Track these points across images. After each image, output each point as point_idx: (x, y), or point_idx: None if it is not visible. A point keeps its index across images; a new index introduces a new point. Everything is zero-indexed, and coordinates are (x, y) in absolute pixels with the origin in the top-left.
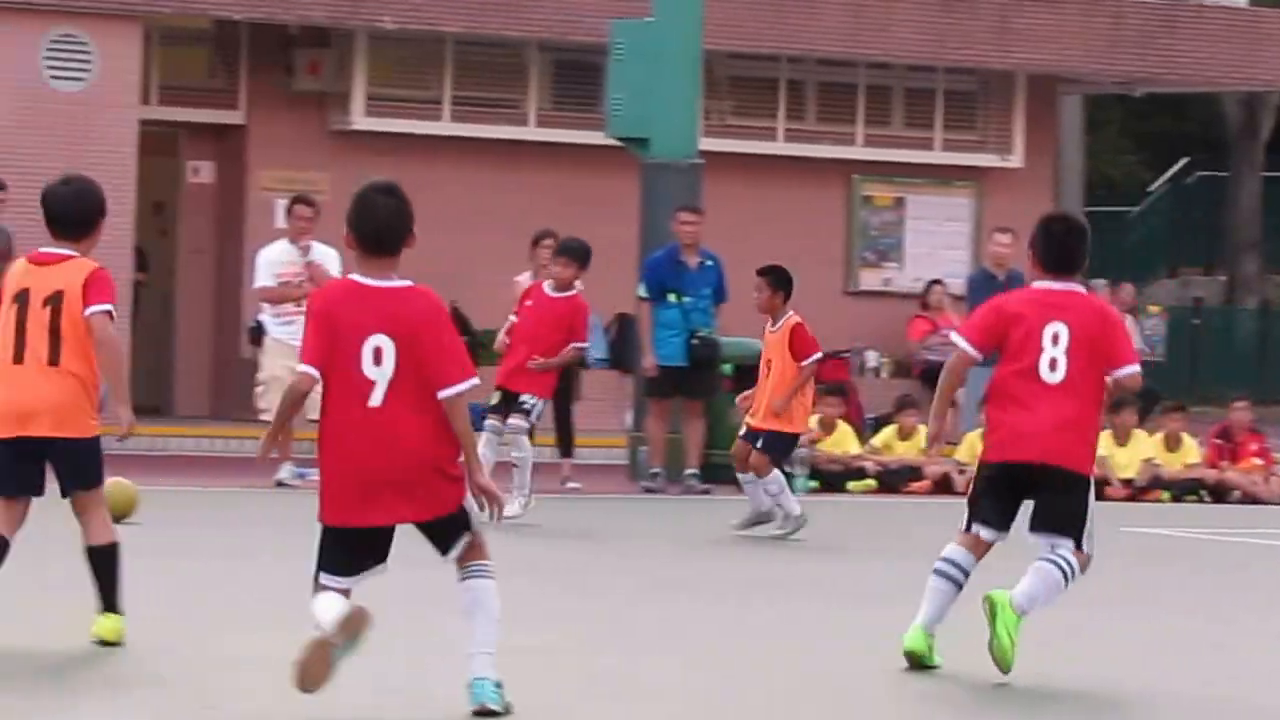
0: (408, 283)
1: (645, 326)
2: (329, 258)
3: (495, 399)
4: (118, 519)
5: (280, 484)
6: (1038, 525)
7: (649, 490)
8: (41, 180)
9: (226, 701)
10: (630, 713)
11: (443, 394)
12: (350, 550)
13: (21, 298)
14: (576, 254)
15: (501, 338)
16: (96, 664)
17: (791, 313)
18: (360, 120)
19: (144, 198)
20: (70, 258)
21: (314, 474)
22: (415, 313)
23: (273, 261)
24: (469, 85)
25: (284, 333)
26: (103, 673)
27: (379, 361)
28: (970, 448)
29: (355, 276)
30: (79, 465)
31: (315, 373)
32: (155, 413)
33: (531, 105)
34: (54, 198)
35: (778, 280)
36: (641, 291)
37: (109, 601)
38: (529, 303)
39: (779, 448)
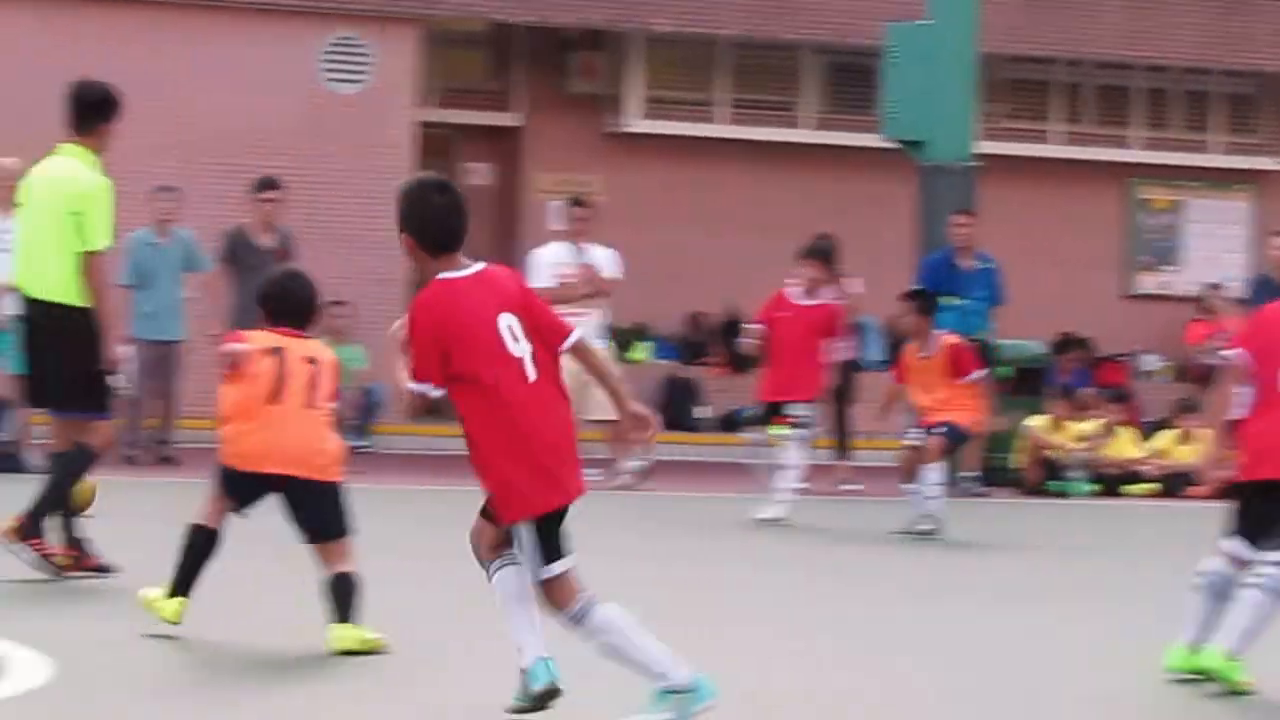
0: (482, 264)
1: None
2: (604, 258)
3: (756, 411)
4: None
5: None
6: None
7: (961, 495)
8: (322, 183)
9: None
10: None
11: (566, 345)
12: (552, 533)
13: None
14: (820, 254)
15: (749, 343)
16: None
17: (943, 333)
18: (635, 122)
19: None
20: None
21: (593, 473)
22: (514, 286)
23: (549, 262)
24: (743, 88)
25: None
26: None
27: (516, 339)
28: None
29: (444, 275)
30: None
31: (433, 390)
32: (436, 413)
33: (806, 108)
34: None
35: (924, 304)
36: None
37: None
38: (783, 313)
39: (955, 438)
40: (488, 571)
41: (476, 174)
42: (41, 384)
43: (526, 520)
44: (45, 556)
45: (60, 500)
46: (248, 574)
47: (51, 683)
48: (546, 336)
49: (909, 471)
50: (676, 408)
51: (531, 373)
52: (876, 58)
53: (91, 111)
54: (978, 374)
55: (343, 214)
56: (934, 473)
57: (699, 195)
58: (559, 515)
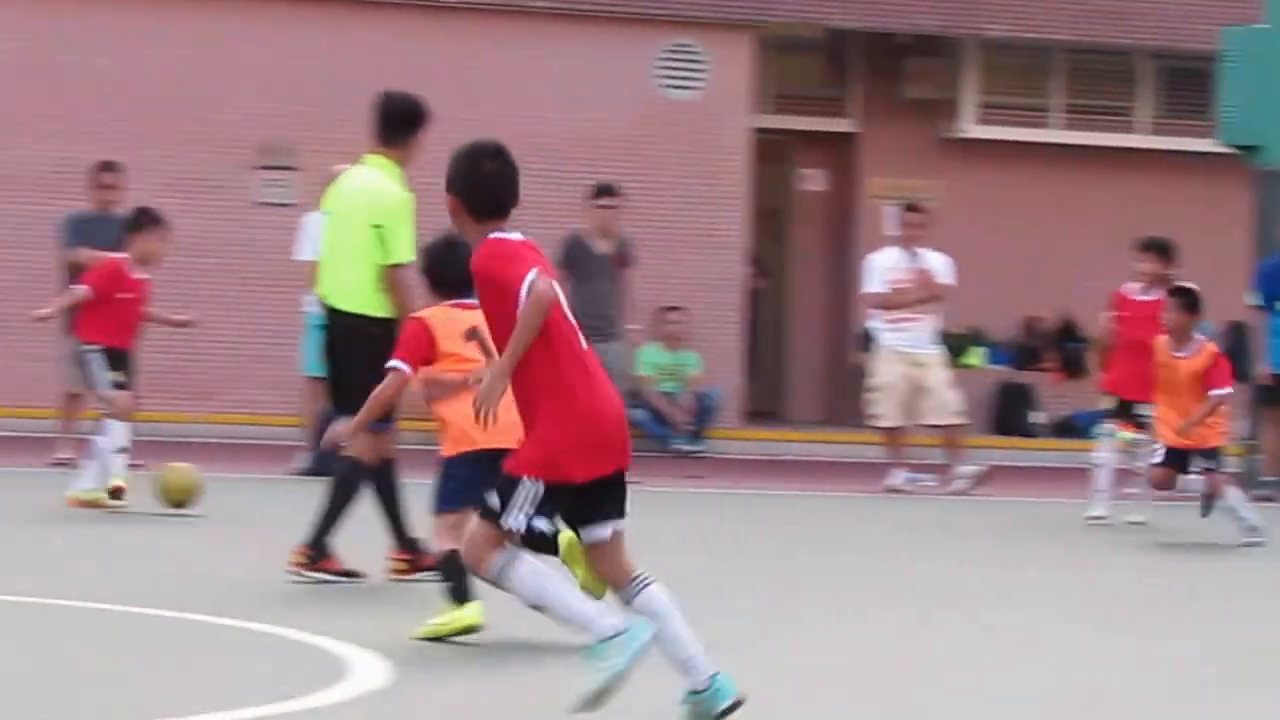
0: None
1: (1258, 334)
2: (938, 264)
3: (1110, 404)
4: (178, 504)
5: (892, 490)
6: None
7: (1263, 499)
8: (656, 189)
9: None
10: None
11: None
12: (602, 494)
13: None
14: (1157, 248)
15: (1099, 345)
16: None
17: (1205, 338)
18: (971, 128)
19: (757, 205)
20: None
21: (927, 479)
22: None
23: (883, 268)
24: (1077, 93)
25: (895, 339)
26: None
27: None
28: None
29: (498, 235)
30: None
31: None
32: (771, 417)
33: (1141, 113)
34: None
35: (1190, 302)
36: (1254, 299)
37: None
38: (1123, 312)
39: (1219, 462)
40: (499, 575)
41: (811, 180)
42: (337, 392)
43: (561, 481)
44: (344, 573)
45: (339, 515)
46: None
47: (390, 684)
48: None
49: (1163, 485)
50: (1011, 413)
51: (581, 339)
52: (1212, 62)
53: (399, 123)
54: (1227, 390)
55: (677, 220)
56: (1234, 495)
57: (1033, 200)
58: (606, 483)
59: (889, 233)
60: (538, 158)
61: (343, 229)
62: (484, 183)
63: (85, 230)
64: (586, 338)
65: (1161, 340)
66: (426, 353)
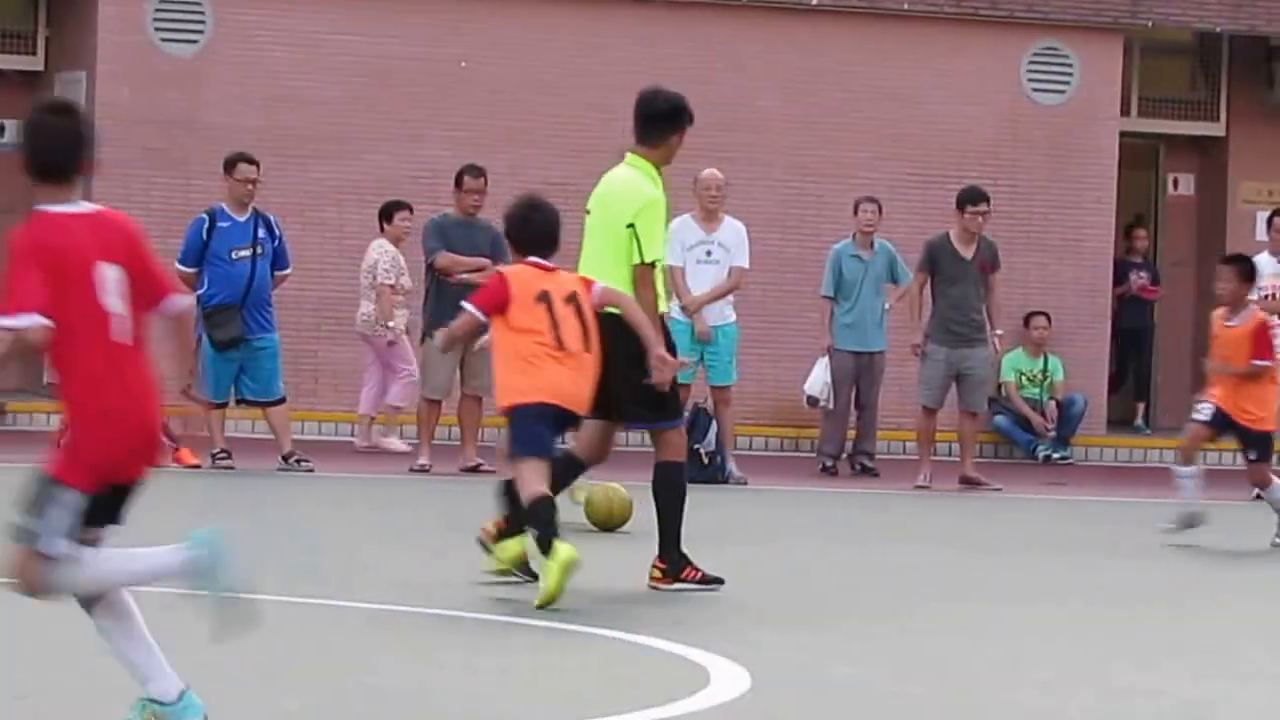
0: (97, 207)
1: None
2: None
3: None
4: (612, 527)
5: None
6: None
7: None
8: (1023, 193)
9: None
10: None
11: (167, 307)
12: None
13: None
14: (1235, 266)
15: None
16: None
17: (1255, 308)
18: None
19: (1124, 210)
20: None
21: None
22: (125, 236)
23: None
24: None
25: None
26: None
27: (111, 292)
28: None
29: (46, 208)
30: None
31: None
32: (1129, 427)
33: None
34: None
35: (1246, 271)
36: None
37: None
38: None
39: (1266, 448)
40: (64, 584)
41: (1179, 184)
42: (606, 395)
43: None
44: (704, 580)
45: (679, 521)
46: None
47: (746, 695)
48: (146, 294)
49: (1188, 455)
50: None
51: (123, 332)
52: None
53: (657, 122)
54: (1262, 363)
55: (1044, 224)
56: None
57: None
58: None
59: (1259, 239)
60: (899, 160)
61: (599, 229)
62: (42, 139)
63: (448, 235)
64: (965, 341)
65: (1218, 312)
66: (502, 303)
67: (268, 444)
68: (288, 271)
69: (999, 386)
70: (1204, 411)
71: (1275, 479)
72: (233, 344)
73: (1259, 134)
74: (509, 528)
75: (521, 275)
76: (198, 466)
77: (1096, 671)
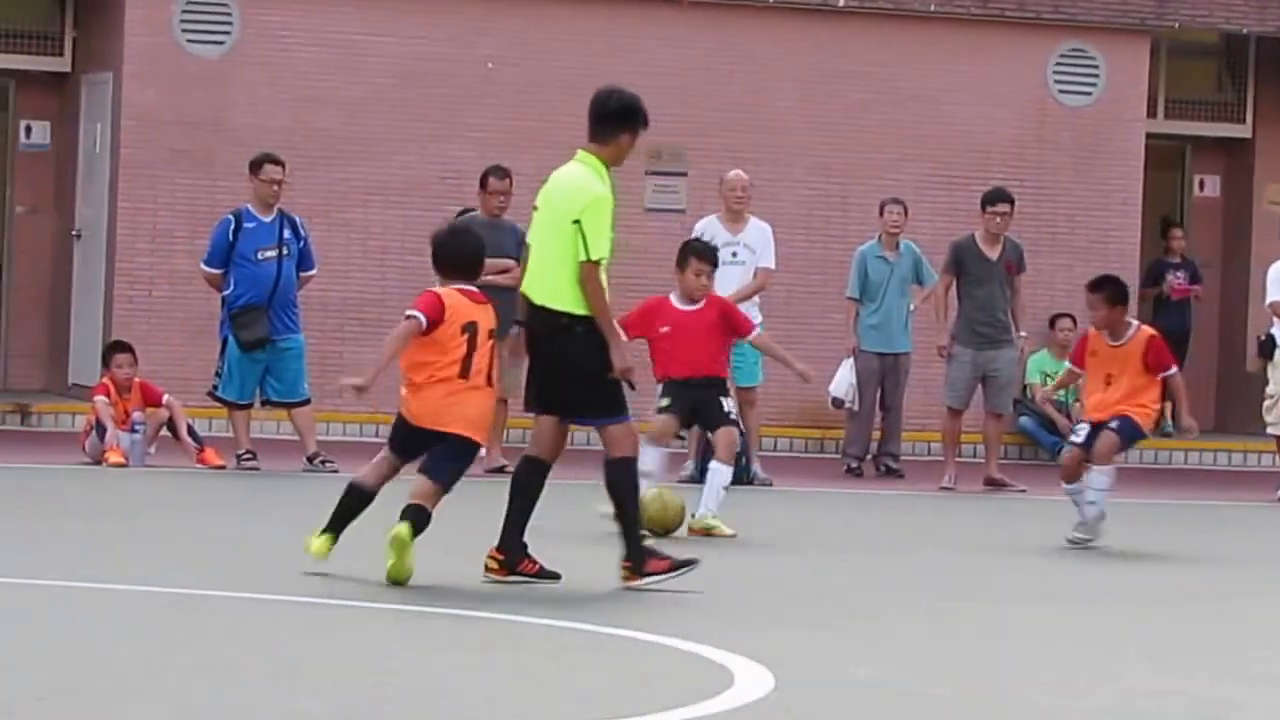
0: None
1: None
2: None
3: None
4: (664, 532)
5: None
6: None
7: None
8: (1048, 195)
9: None
10: None
11: None
12: None
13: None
14: (1103, 292)
15: None
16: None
17: (1138, 323)
18: None
19: (1149, 212)
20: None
21: None
22: None
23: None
24: None
25: None
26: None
27: None
28: None
29: None
30: None
31: None
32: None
33: None
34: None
35: (1116, 295)
36: None
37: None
38: None
39: (1130, 436)
40: None
41: (1205, 186)
42: (542, 390)
43: None
44: (674, 567)
45: (636, 516)
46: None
47: (770, 695)
48: None
49: (1072, 472)
50: None
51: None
52: None
53: (609, 121)
54: (1174, 371)
55: (1069, 226)
56: (1103, 476)
57: None
58: None
59: None
60: (924, 160)
61: (547, 224)
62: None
63: None
64: (990, 343)
65: (1095, 332)
66: (438, 317)
67: (293, 445)
68: (313, 272)
69: (1024, 388)
70: (1081, 433)
71: (1103, 469)
72: (259, 345)
73: None
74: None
75: (455, 301)
76: (223, 467)
77: (1114, 672)
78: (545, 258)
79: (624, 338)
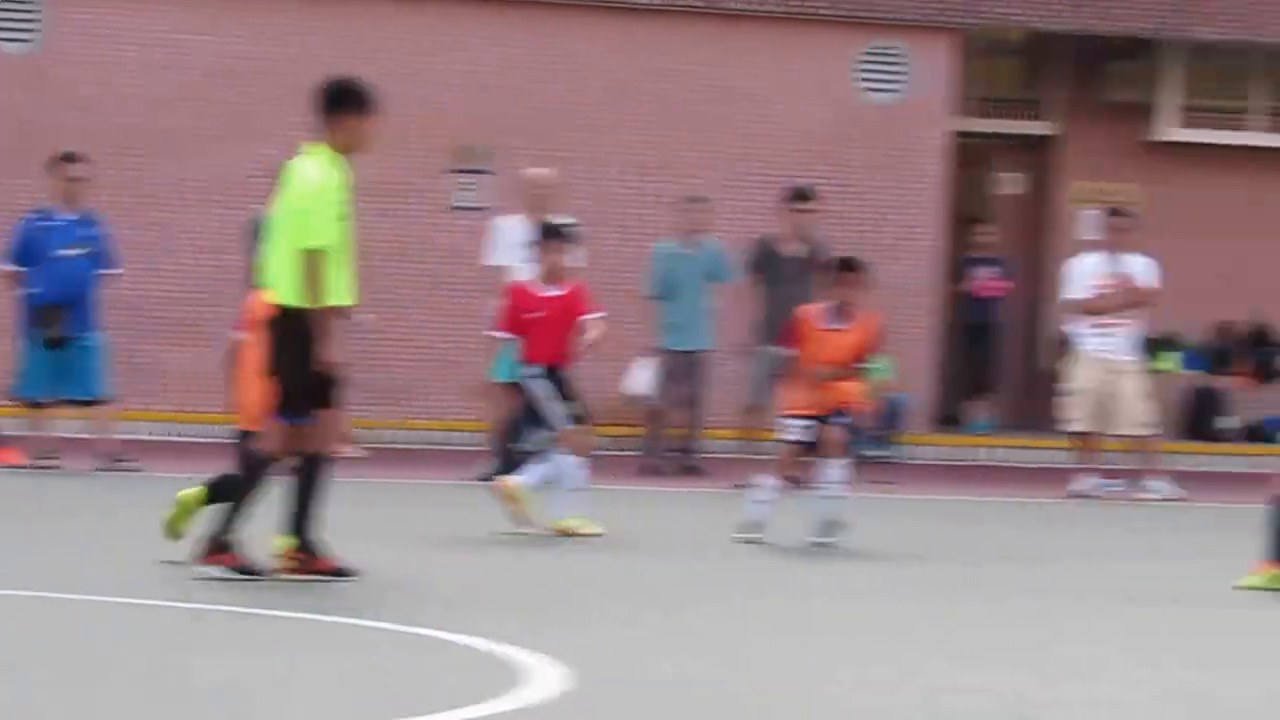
0: None
1: None
2: (1143, 268)
3: None
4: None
5: (1077, 495)
6: None
7: None
8: (854, 192)
9: None
10: None
11: None
12: None
13: None
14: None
15: None
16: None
17: (861, 309)
18: (1171, 131)
19: (956, 209)
20: None
21: (1117, 485)
22: None
23: (1085, 273)
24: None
25: (1096, 345)
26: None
27: None
28: None
29: None
30: None
31: None
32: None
33: None
34: None
35: (858, 275)
36: None
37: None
38: None
39: (856, 428)
40: None
41: (1008, 183)
42: (272, 386)
43: None
44: (243, 569)
45: (236, 509)
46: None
47: (569, 693)
48: None
49: (789, 467)
50: (1201, 418)
51: None
52: None
53: (328, 107)
54: (876, 358)
55: (875, 224)
56: (836, 469)
57: (1231, 204)
58: None
59: (1088, 237)
60: (734, 158)
61: (277, 217)
62: None
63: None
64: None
65: (813, 313)
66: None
67: (93, 443)
68: (115, 270)
69: None
70: (796, 430)
71: (834, 463)
72: (59, 343)
73: (1089, 133)
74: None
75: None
76: (22, 466)
77: (919, 669)
78: (277, 249)
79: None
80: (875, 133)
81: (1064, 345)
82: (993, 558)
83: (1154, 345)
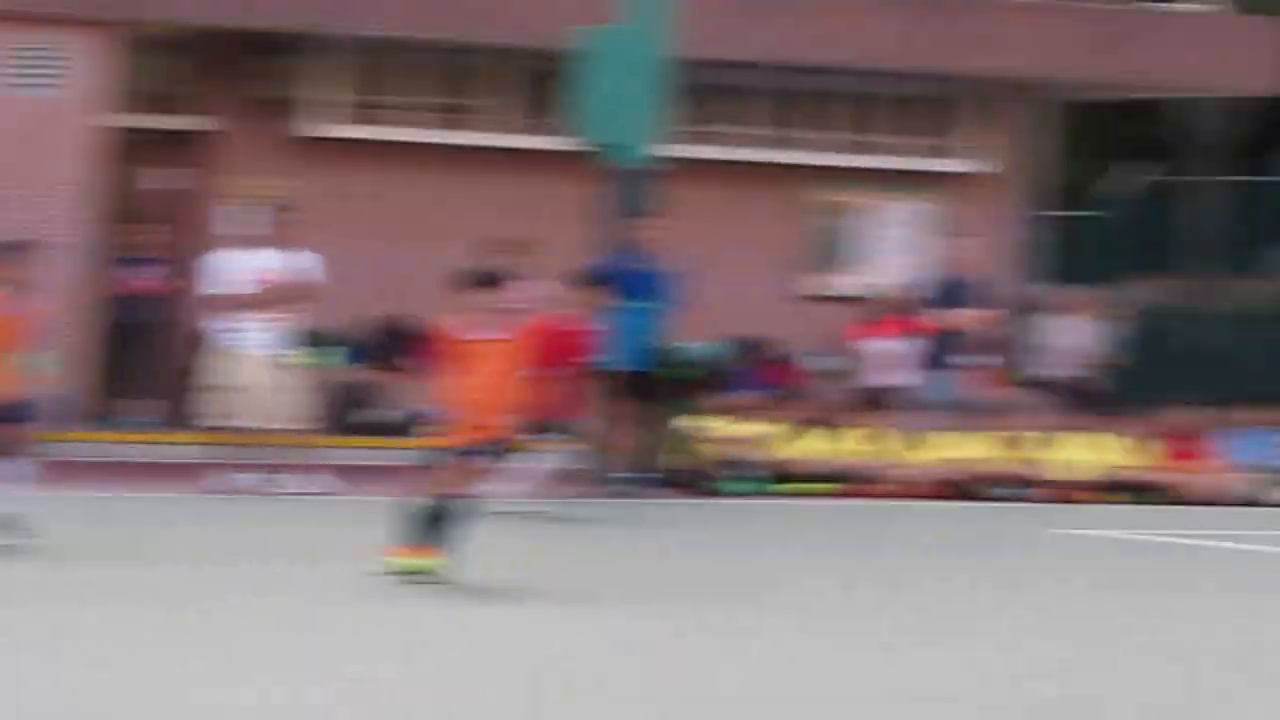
0: None
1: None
2: (307, 262)
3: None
4: None
5: (215, 490)
6: None
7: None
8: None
9: None
10: None
11: None
12: None
13: None
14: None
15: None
16: None
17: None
18: (321, 127)
19: (116, 207)
20: None
21: (276, 478)
22: None
23: (231, 268)
24: (439, 92)
25: (246, 340)
26: None
27: None
28: None
29: None
30: None
31: None
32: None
33: (485, 111)
34: None
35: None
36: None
37: None
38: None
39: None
40: None
41: (166, 179)
42: None
43: None
44: None
45: None
46: None
47: None
48: None
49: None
50: (354, 412)
51: None
52: (563, 61)
53: None
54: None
55: (26, 221)
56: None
57: (376, 199)
58: None
59: (233, 232)
60: None
61: None
62: None
63: None
64: None
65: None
66: None
67: None
68: None
69: None
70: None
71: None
72: None
73: (245, 131)
74: None
75: None
76: None
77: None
78: None
79: None
80: (24, 129)
81: (202, 340)
82: (169, 560)
83: (312, 339)
